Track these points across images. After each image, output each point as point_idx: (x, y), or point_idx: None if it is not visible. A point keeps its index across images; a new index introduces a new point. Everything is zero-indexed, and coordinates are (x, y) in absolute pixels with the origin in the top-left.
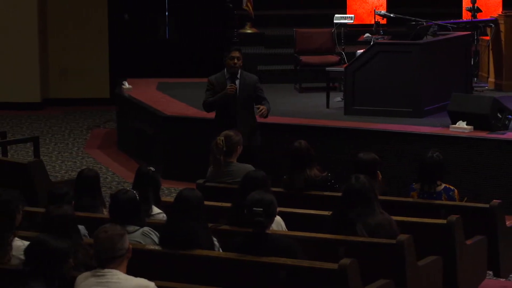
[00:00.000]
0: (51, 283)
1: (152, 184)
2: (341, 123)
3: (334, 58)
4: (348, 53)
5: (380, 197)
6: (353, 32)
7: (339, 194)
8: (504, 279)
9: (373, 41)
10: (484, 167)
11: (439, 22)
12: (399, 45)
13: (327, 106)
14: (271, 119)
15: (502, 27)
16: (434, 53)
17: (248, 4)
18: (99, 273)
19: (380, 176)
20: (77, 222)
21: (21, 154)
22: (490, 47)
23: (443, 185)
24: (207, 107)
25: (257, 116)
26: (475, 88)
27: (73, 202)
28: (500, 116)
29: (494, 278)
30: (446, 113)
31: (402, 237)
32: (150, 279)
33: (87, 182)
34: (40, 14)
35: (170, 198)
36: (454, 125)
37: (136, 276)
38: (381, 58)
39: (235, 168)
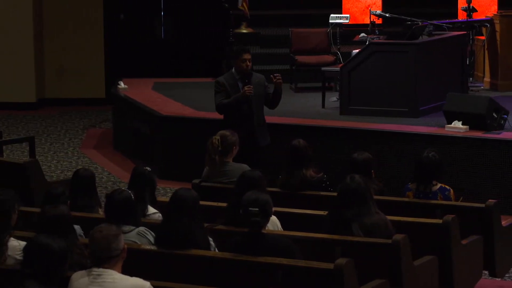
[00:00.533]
0: (50, 283)
1: (148, 184)
2: (341, 123)
3: (329, 58)
4: (344, 53)
5: (376, 197)
6: (349, 32)
7: (335, 194)
8: (500, 279)
9: (368, 41)
10: (480, 167)
11: (435, 22)
12: (395, 45)
13: (323, 106)
14: (269, 119)
15: (497, 27)
16: (429, 53)
17: (244, 4)
18: (94, 272)
19: (374, 175)
20: (72, 222)
21: (16, 154)
22: (486, 47)
23: (439, 184)
24: (222, 109)
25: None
26: (471, 88)
27: (69, 202)
28: (496, 116)
29: (490, 277)
30: (442, 113)
31: (398, 237)
32: (145, 279)
33: (82, 182)
34: (36, 14)
35: (166, 198)
36: (449, 125)
37: (132, 275)
38: (377, 58)
39: (231, 168)
